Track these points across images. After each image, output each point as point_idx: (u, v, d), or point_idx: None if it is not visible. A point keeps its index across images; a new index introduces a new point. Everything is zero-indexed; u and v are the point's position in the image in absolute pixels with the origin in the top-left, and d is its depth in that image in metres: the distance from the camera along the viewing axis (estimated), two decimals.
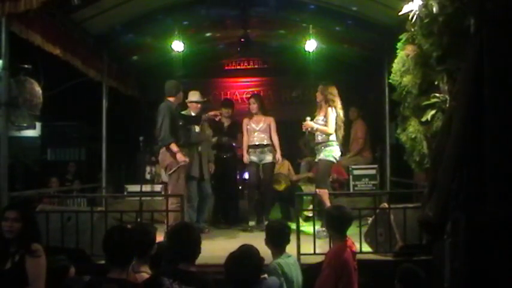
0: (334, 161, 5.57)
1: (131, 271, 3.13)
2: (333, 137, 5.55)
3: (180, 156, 5.37)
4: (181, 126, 5.77)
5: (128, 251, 2.74)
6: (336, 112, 5.56)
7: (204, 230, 5.89)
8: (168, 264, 2.86)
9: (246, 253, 2.82)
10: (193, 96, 6.26)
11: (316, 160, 5.77)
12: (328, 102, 5.57)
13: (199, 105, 6.22)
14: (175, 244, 2.78)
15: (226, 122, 6.92)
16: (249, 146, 6.40)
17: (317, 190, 4.50)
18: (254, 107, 6.46)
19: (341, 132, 5.64)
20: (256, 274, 2.70)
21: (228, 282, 2.67)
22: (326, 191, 4.38)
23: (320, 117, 5.63)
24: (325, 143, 5.56)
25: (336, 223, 3.53)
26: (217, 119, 6.13)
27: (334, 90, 5.65)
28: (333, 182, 6.81)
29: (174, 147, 5.39)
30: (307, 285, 3.52)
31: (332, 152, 5.53)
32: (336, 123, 5.55)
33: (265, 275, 3.30)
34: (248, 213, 6.79)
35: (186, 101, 6.28)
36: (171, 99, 5.63)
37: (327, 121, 5.52)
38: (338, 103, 5.61)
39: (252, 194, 6.54)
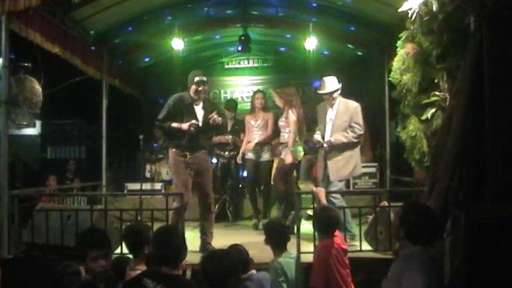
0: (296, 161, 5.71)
1: (127, 269, 3.17)
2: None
3: None
4: None
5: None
6: (296, 112, 5.64)
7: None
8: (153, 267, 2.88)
9: (222, 253, 2.82)
10: None
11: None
12: (289, 104, 5.68)
13: None
14: (158, 247, 2.79)
15: (230, 122, 6.91)
16: (248, 143, 6.40)
17: (313, 188, 4.52)
18: (262, 102, 6.48)
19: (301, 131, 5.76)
20: (231, 275, 2.67)
21: (205, 281, 2.68)
22: (323, 189, 4.39)
23: (282, 118, 5.75)
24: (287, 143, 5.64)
25: (323, 225, 3.52)
26: None
27: (291, 91, 5.86)
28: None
29: None
30: (308, 284, 3.51)
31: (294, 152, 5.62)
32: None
33: (253, 271, 3.30)
34: (249, 211, 6.78)
35: None
36: None
37: (289, 122, 5.62)
38: (297, 103, 5.73)
39: (251, 191, 6.54)
